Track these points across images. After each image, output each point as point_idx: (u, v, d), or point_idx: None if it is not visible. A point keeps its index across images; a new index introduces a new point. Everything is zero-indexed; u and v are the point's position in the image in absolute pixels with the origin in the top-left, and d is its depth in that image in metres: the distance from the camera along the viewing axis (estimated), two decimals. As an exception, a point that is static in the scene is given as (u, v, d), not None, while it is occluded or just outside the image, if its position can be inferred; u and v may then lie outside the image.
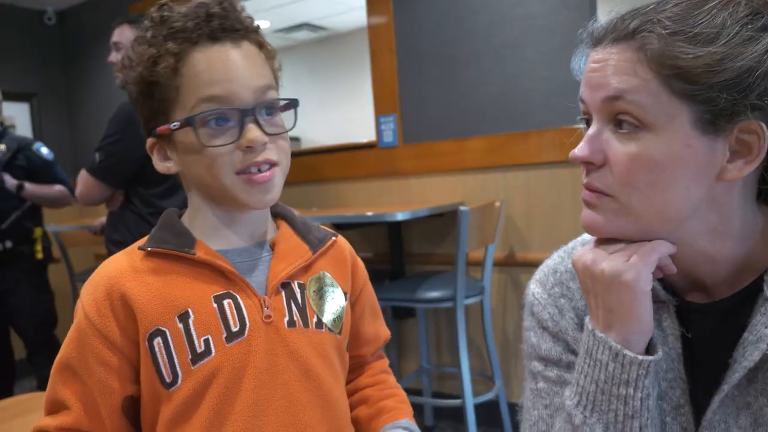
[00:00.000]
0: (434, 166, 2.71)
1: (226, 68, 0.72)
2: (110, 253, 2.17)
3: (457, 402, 2.29)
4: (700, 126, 0.61)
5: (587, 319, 0.69)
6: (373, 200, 2.93)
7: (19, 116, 4.07)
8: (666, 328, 0.70)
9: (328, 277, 0.83)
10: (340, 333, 0.82)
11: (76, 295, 3.47)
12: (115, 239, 2.12)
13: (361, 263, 0.91)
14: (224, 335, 0.73)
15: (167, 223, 0.79)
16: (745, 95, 0.59)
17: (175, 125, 0.73)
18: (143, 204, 2.08)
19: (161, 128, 0.74)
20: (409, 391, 2.00)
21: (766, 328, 0.63)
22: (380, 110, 2.86)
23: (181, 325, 0.72)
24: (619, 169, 0.64)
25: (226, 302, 0.74)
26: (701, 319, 0.70)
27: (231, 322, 0.74)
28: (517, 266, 2.54)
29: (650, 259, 0.64)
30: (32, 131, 4.13)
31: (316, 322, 0.79)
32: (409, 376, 2.72)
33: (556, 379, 0.76)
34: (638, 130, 0.62)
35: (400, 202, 2.83)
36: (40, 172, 2.74)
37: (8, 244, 2.65)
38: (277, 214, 0.86)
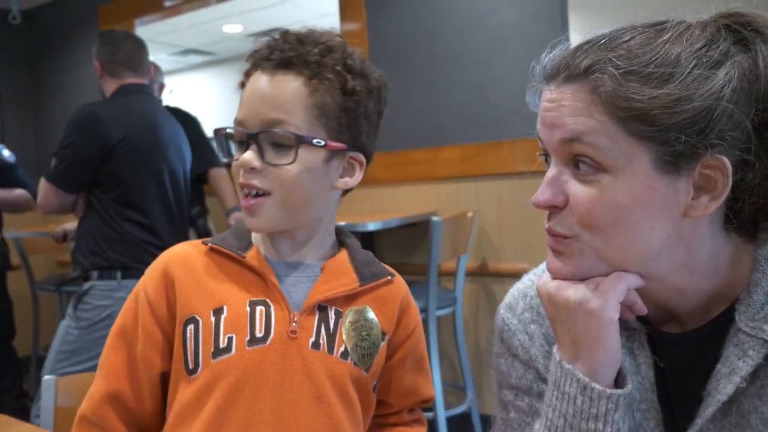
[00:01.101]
0: (407, 175, 2.69)
1: (248, 95, 0.80)
2: (76, 263, 2.10)
3: (428, 414, 2.26)
4: (660, 166, 0.58)
5: (555, 349, 0.66)
6: (344, 209, 2.87)
7: (-20, 117, 3.95)
8: (638, 357, 0.68)
9: (369, 312, 0.83)
10: (367, 371, 0.81)
11: (36, 303, 3.36)
12: (83, 249, 2.05)
13: (414, 310, 0.90)
14: (247, 338, 0.77)
15: (236, 226, 0.86)
16: (705, 135, 0.57)
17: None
18: (104, 210, 2.01)
19: None
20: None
21: (738, 359, 0.61)
22: (353, 118, 2.83)
23: (213, 319, 0.77)
24: (580, 211, 0.61)
25: (258, 308, 0.78)
26: (674, 349, 0.68)
27: (257, 328, 0.77)
28: (490, 276, 2.52)
29: (618, 288, 0.62)
30: (-6, 133, 4.00)
31: (342, 352, 0.79)
32: (380, 387, 2.68)
33: (527, 409, 0.73)
34: (597, 172, 0.60)
35: (372, 211, 2.80)
36: (1, 175, 2.64)
37: None
38: (342, 243, 0.89)
